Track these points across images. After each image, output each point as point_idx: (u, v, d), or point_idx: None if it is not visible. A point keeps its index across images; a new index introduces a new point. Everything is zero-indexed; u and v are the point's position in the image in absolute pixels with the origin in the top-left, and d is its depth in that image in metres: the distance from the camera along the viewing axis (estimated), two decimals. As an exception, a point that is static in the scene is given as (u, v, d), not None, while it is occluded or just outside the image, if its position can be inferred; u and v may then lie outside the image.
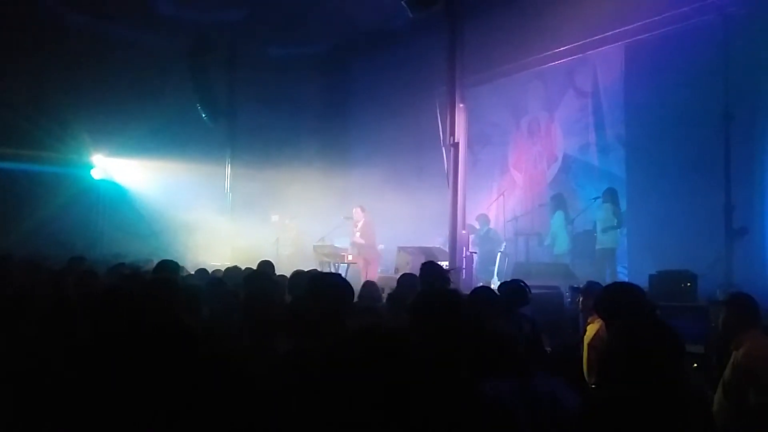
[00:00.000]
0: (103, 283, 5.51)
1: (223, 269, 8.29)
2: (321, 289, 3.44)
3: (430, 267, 5.33)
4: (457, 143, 9.69)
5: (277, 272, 6.51)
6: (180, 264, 6.86)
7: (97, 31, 14.10)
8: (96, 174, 14.87)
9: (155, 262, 7.97)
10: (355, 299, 5.84)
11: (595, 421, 2.04)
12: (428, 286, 5.01)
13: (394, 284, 6.78)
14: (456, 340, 2.16)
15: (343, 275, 11.17)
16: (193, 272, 7.49)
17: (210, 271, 7.70)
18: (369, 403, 1.74)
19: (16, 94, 12.88)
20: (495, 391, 2.24)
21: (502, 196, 12.78)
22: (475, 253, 10.75)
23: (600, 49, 11.54)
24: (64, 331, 2.73)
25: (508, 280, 5.68)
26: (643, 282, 7.06)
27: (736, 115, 9.39)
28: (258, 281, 4.89)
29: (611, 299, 3.34)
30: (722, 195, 9.37)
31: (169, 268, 5.64)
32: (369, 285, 6.46)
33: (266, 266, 6.08)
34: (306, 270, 6.33)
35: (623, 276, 10.18)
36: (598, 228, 10.45)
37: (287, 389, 2.27)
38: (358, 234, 11.40)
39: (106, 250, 12.93)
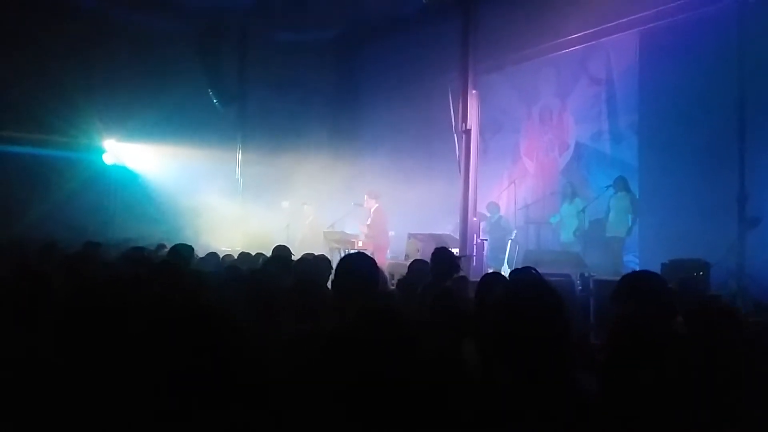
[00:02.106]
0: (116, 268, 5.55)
1: (234, 254, 8.32)
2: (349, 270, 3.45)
3: (441, 253, 5.31)
4: (469, 130, 9.64)
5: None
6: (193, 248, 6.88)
7: (108, 15, 14.10)
8: (108, 159, 14.91)
9: (167, 246, 8.03)
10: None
11: (612, 407, 2.03)
12: (439, 273, 5.00)
13: (404, 270, 6.78)
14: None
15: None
16: (203, 256, 7.52)
17: (221, 256, 7.74)
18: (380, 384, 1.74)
19: (28, 79, 12.90)
20: None
21: (513, 184, 12.73)
22: (486, 240, 10.72)
23: (614, 36, 11.42)
24: (79, 318, 2.73)
25: (519, 267, 5.66)
26: (654, 271, 7.03)
27: (750, 103, 9.30)
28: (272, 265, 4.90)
29: (631, 288, 3.27)
30: (736, 184, 9.29)
31: (183, 252, 5.67)
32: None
33: (281, 251, 6.09)
34: (315, 254, 6.37)
35: (634, 265, 10.15)
36: (613, 217, 10.41)
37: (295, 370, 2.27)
38: (368, 221, 11.39)
39: (118, 234, 12.99)
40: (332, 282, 3.59)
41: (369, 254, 10.91)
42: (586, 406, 1.99)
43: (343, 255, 11.21)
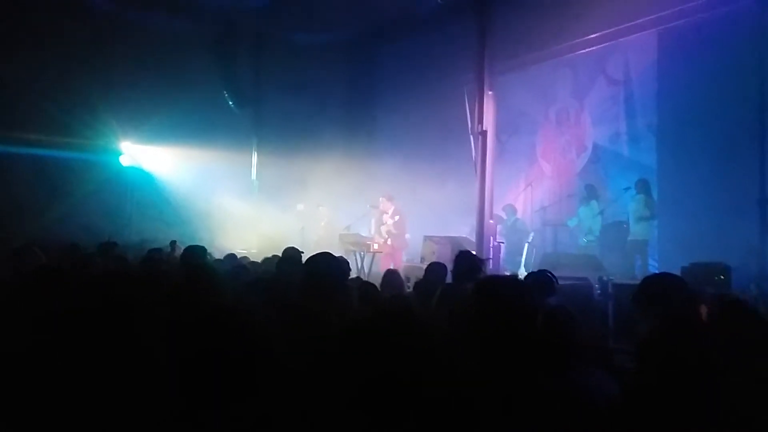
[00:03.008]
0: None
1: (249, 256, 8.33)
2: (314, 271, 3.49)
3: (465, 257, 5.25)
4: (485, 131, 9.58)
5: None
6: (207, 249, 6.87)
7: (125, 17, 14.19)
8: (124, 161, 15.00)
9: (182, 248, 8.05)
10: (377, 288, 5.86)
11: (633, 410, 1.99)
12: (460, 275, 4.94)
13: (420, 273, 6.74)
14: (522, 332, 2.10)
15: (369, 264, 11.26)
16: (219, 258, 7.52)
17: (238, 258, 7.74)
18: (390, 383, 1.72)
19: (45, 82, 13.01)
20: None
21: (530, 186, 12.64)
22: (502, 243, 10.65)
23: (632, 36, 11.32)
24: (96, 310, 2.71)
25: (535, 270, 5.59)
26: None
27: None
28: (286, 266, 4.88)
29: (653, 290, 3.22)
30: (756, 185, 9.17)
31: (196, 252, 5.65)
32: (391, 274, 6.41)
33: (291, 251, 6.07)
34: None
35: (653, 268, 10.03)
36: (631, 219, 10.30)
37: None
38: (391, 222, 11.35)
39: (134, 236, 13.08)
40: (302, 282, 3.61)
41: (389, 256, 10.96)
42: (589, 406, 1.95)
43: (358, 257, 11.30)
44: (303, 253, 5.95)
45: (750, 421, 2.05)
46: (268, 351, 2.14)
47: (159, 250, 7.89)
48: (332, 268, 3.56)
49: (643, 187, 10.28)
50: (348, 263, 4.97)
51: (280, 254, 6.38)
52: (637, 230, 10.25)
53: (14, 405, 2.21)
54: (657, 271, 9.01)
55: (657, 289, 3.21)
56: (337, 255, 6.97)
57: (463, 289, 4.65)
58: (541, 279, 4.82)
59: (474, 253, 5.85)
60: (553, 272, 4.93)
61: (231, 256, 7.47)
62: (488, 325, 2.07)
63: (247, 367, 1.92)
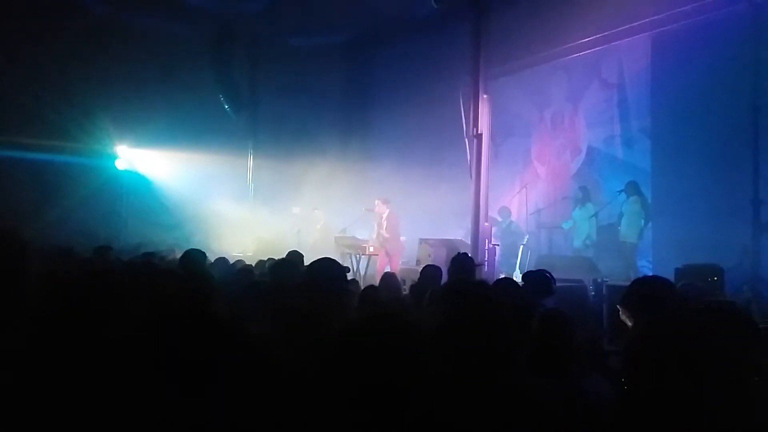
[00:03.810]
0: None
1: (244, 259, 8.33)
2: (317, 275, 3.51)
3: (461, 260, 5.26)
4: (480, 134, 9.58)
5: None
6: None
7: (121, 21, 14.20)
8: (120, 164, 15.00)
9: (178, 251, 8.03)
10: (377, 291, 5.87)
11: (628, 415, 2.00)
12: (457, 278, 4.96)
13: (416, 276, 6.76)
14: (493, 332, 2.11)
15: (365, 267, 11.27)
16: (212, 261, 7.51)
17: (231, 262, 7.73)
18: (385, 388, 1.73)
19: (41, 85, 13.00)
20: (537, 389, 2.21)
21: (524, 189, 12.67)
22: (497, 245, 10.67)
23: (626, 39, 11.37)
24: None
25: (533, 270, 5.60)
26: (668, 276, 6.95)
27: (764, 106, 9.21)
28: (284, 269, 4.88)
29: (641, 293, 3.24)
30: (750, 188, 9.20)
31: (194, 257, 5.65)
32: (388, 276, 6.44)
33: (294, 256, 6.08)
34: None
35: (647, 270, 10.07)
36: (625, 222, 10.33)
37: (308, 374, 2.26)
38: (384, 226, 11.36)
39: (130, 240, 13.05)
40: (304, 286, 3.62)
41: (384, 257, 10.97)
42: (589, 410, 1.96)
43: (354, 260, 11.30)
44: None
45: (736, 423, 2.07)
46: (263, 356, 2.16)
47: (152, 254, 7.85)
48: (336, 272, 3.57)
49: (634, 189, 10.32)
50: (348, 268, 4.96)
51: (276, 258, 6.40)
52: (630, 232, 10.28)
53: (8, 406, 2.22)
54: (650, 273, 9.07)
55: (646, 292, 3.24)
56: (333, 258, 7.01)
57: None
58: (538, 279, 4.84)
59: (470, 255, 5.85)
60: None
61: (221, 260, 7.47)
62: (453, 329, 2.09)
63: (241, 373, 1.93)
